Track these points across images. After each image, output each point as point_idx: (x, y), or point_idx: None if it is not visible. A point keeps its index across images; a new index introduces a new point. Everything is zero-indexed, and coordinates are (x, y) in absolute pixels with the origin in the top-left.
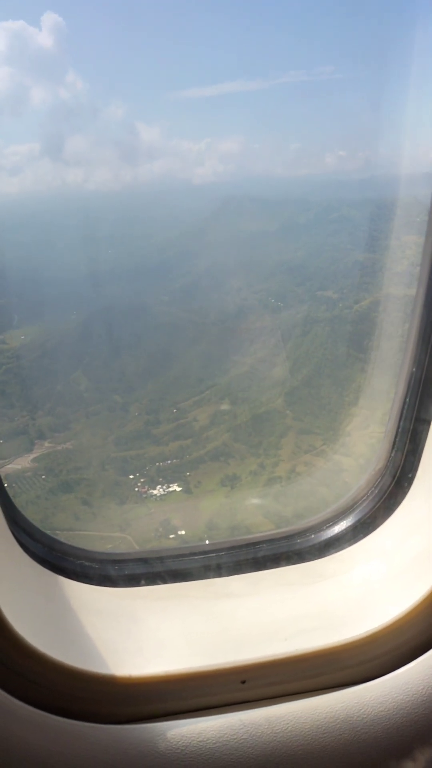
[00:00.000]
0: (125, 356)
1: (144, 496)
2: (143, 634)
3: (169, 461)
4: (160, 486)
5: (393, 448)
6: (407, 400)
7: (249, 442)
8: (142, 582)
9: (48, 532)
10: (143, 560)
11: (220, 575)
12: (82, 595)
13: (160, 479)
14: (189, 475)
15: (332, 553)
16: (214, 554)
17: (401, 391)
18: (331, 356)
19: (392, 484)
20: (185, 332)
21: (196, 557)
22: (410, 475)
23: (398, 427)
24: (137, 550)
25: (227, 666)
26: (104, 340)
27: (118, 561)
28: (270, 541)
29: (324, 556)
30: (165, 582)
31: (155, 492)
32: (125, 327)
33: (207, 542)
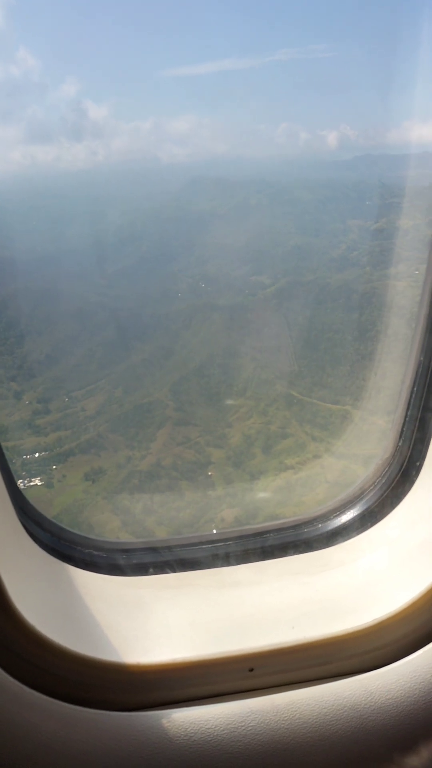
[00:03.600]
0: (32, 342)
1: None
2: (151, 622)
3: (37, 454)
4: (21, 480)
5: (400, 437)
6: (415, 389)
7: (126, 434)
8: (150, 571)
9: (56, 521)
10: (151, 549)
11: (227, 564)
12: (90, 583)
13: (24, 473)
14: (55, 468)
15: (340, 542)
16: (221, 543)
17: (408, 380)
18: (224, 344)
19: (400, 473)
20: (97, 318)
21: (203, 546)
22: (418, 464)
23: (405, 416)
24: (145, 539)
25: (235, 654)
26: (14, 324)
27: (126, 550)
28: (277, 530)
29: (331, 545)
30: (173, 571)
31: None
32: (38, 312)
33: (214, 531)
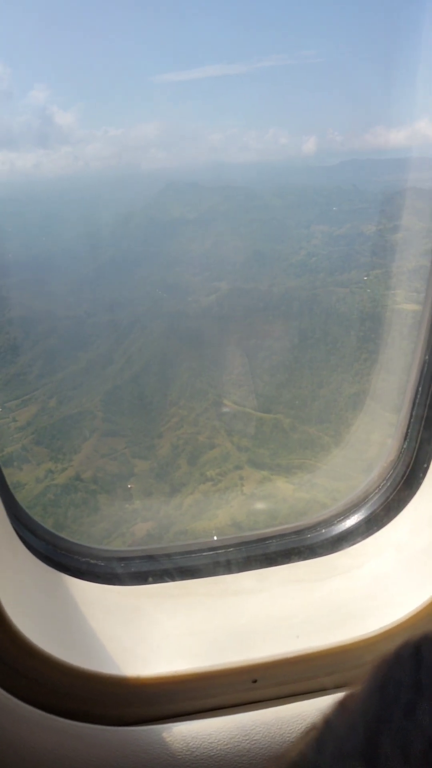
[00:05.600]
0: None
1: None
2: (151, 633)
3: None
4: None
5: (406, 437)
6: (420, 388)
7: (51, 446)
8: (150, 580)
9: (52, 529)
10: (150, 557)
11: (229, 572)
12: (87, 593)
13: None
14: None
15: (344, 548)
16: (222, 550)
17: (414, 379)
18: (161, 353)
19: (406, 475)
20: (42, 326)
21: (204, 554)
22: (425, 465)
23: (411, 416)
24: (144, 547)
25: (238, 665)
26: None
27: (124, 558)
28: (280, 536)
29: (336, 551)
30: (173, 579)
31: None
32: None
33: (215, 538)
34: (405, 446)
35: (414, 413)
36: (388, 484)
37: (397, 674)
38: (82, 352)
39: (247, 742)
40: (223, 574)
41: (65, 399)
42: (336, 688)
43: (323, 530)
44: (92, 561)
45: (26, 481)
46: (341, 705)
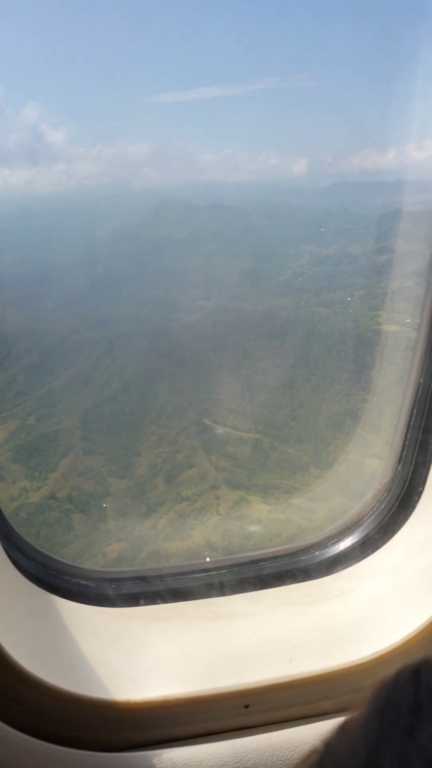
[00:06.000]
0: None
1: None
2: (142, 656)
3: None
4: None
5: (400, 461)
6: (414, 411)
7: (27, 463)
8: (141, 602)
9: (43, 549)
10: (142, 579)
11: (222, 594)
12: (78, 615)
13: None
14: None
15: (338, 571)
16: (215, 572)
17: (408, 402)
18: (143, 370)
19: (400, 498)
20: (23, 341)
21: (197, 576)
22: (420, 489)
23: (405, 439)
24: (136, 568)
25: (230, 690)
26: None
27: (115, 580)
28: (273, 558)
29: (330, 574)
30: (165, 602)
31: None
32: None
33: (208, 560)
34: (399, 469)
35: (408, 436)
36: (383, 506)
37: (396, 697)
38: (64, 369)
39: None
40: (216, 596)
41: (44, 416)
42: (329, 713)
43: (317, 553)
44: (83, 582)
45: (0, 500)
46: (342, 729)
